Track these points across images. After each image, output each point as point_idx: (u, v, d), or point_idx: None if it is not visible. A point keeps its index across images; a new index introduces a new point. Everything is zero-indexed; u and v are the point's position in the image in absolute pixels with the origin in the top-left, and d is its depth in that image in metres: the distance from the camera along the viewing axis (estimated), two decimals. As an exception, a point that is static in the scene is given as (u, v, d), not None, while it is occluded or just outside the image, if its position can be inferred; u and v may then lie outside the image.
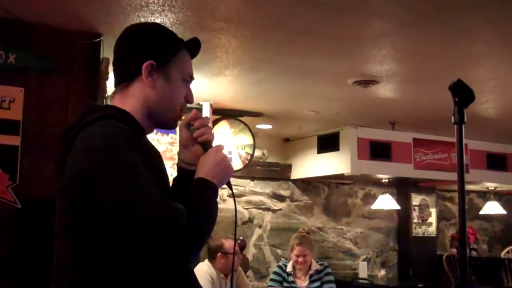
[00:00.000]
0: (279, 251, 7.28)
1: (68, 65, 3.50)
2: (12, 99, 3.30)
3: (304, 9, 3.29)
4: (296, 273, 4.92)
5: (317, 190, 7.72)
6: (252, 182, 7.23)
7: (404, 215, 7.96)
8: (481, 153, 7.49)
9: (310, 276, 4.87)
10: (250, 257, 7.02)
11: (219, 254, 4.33)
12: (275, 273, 5.04)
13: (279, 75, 4.63)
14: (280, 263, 5.16)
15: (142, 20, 3.36)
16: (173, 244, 1.35)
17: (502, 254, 8.29)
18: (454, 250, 7.93)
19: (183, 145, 1.71)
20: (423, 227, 7.95)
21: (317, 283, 4.84)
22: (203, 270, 4.22)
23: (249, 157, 6.04)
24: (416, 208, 7.93)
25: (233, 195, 1.70)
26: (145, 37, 1.64)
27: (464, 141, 1.75)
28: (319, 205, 7.71)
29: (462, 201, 1.73)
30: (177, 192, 1.55)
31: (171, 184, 1.67)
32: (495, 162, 7.60)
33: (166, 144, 5.19)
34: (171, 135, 5.20)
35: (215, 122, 5.80)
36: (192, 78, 1.70)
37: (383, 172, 6.92)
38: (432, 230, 8.02)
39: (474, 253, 8.23)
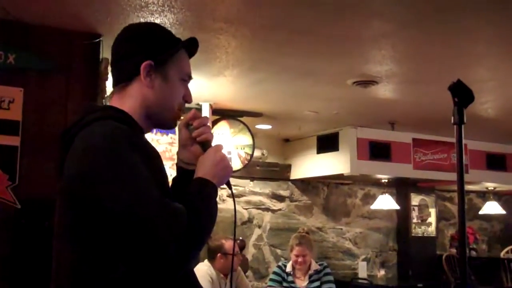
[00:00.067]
0: (278, 251, 7.28)
1: (67, 65, 3.50)
2: (11, 99, 3.30)
3: (304, 9, 3.29)
4: (296, 273, 4.92)
5: (317, 190, 7.72)
6: (251, 182, 7.23)
7: (403, 215, 7.97)
8: (481, 153, 7.49)
9: (310, 276, 4.88)
10: (249, 257, 7.02)
11: (219, 254, 4.33)
12: (274, 273, 5.04)
13: (278, 75, 4.63)
14: (280, 263, 5.16)
15: (142, 20, 3.36)
16: (173, 244, 1.35)
17: (502, 254, 8.30)
18: (453, 250, 7.94)
19: (182, 145, 1.70)
20: (423, 227, 7.95)
21: (317, 283, 4.84)
22: (203, 270, 4.22)
23: (248, 157, 6.04)
24: (416, 208, 7.93)
25: (232, 195, 1.70)
26: (143, 37, 1.64)
27: (464, 141, 1.76)
28: (318, 205, 7.71)
29: (461, 201, 1.73)
30: (176, 192, 1.55)
31: (170, 184, 1.67)
32: (495, 162, 7.60)
33: (165, 144, 5.19)
34: (170, 135, 5.20)
35: (214, 122, 5.80)
36: (190, 78, 1.70)
37: (383, 172, 6.92)
38: (431, 230, 8.02)
39: (473, 253, 8.23)
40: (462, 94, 1.75)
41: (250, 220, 7.19)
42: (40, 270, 3.10)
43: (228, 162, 1.63)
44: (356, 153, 6.53)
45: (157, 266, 1.37)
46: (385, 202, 7.23)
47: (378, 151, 6.66)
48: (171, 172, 1.70)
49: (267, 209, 7.33)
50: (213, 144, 1.65)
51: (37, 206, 3.24)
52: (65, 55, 3.50)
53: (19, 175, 3.26)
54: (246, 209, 7.17)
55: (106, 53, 3.48)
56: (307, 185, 7.63)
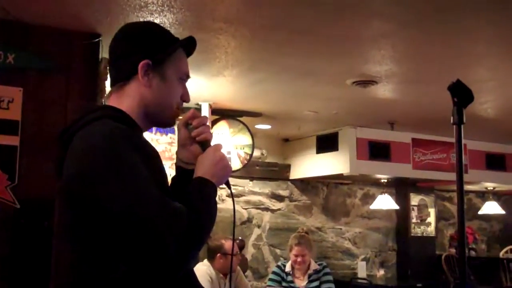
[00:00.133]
0: (278, 251, 7.28)
1: (67, 65, 3.50)
2: (11, 99, 3.30)
3: (304, 9, 3.29)
4: (295, 273, 4.92)
5: (316, 190, 7.72)
6: (251, 182, 7.23)
7: (403, 215, 7.97)
8: (480, 153, 7.49)
9: (309, 276, 4.88)
10: (249, 257, 7.02)
11: (218, 254, 4.33)
12: (274, 273, 5.05)
13: (278, 75, 4.63)
14: (279, 263, 5.16)
15: (141, 20, 3.36)
16: (173, 243, 1.35)
17: (501, 254, 8.30)
18: (453, 250, 7.94)
19: (181, 145, 1.70)
20: (422, 227, 7.95)
21: (316, 283, 4.84)
22: (202, 270, 4.22)
23: (248, 157, 6.04)
24: (415, 208, 7.93)
25: (231, 195, 1.70)
26: (141, 36, 1.64)
27: (463, 141, 1.76)
28: (318, 205, 7.71)
29: (461, 201, 1.73)
30: (176, 192, 1.55)
31: (170, 183, 1.67)
32: (494, 162, 7.60)
33: (165, 144, 5.19)
34: (170, 135, 5.20)
35: (214, 122, 5.80)
36: (188, 77, 1.69)
37: (382, 172, 6.92)
38: (431, 230, 8.02)
39: (472, 253, 8.24)
40: (461, 94, 1.75)
41: (249, 220, 7.19)
42: (39, 269, 3.11)
43: (227, 161, 1.63)
44: (356, 153, 6.53)
45: (157, 266, 1.36)
46: (385, 202, 7.23)
47: (378, 151, 6.66)
48: (170, 172, 1.70)
49: (267, 209, 7.33)
50: (212, 143, 1.65)
51: (37, 206, 3.24)
52: (65, 55, 3.50)
53: (18, 175, 3.26)
54: (245, 209, 7.17)
55: (105, 53, 3.47)
56: (306, 185, 7.63)
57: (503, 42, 3.86)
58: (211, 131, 1.72)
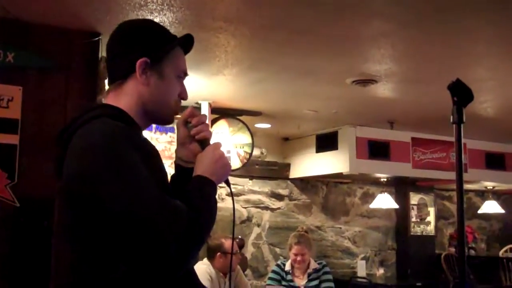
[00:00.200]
0: (277, 250, 7.28)
1: (67, 64, 3.50)
2: (10, 98, 3.30)
3: (304, 9, 3.29)
4: (295, 272, 4.93)
5: (316, 189, 7.72)
6: (250, 181, 7.23)
7: (402, 214, 7.97)
8: (480, 153, 7.49)
9: (309, 275, 4.88)
10: (248, 256, 7.02)
11: (218, 253, 4.33)
12: (273, 271, 5.05)
13: (278, 74, 4.63)
14: (279, 262, 5.16)
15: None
16: (173, 242, 1.35)
17: (500, 253, 8.31)
18: (452, 249, 7.94)
19: (180, 143, 1.70)
20: (422, 226, 7.95)
21: (316, 282, 4.85)
22: (202, 269, 4.22)
23: (247, 156, 6.04)
24: (415, 207, 7.93)
25: (231, 193, 1.70)
26: (138, 34, 1.63)
27: (463, 140, 1.76)
28: (317, 204, 7.71)
29: (460, 200, 1.73)
30: (175, 190, 1.54)
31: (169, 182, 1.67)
32: (494, 162, 7.60)
33: (164, 143, 5.19)
34: (169, 134, 5.20)
35: (213, 121, 5.80)
36: (186, 74, 1.69)
37: (382, 171, 6.92)
38: (430, 229, 8.02)
39: (472, 252, 8.24)
40: (461, 94, 1.75)
41: (249, 219, 7.19)
42: (39, 268, 3.11)
43: (226, 159, 1.63)
44: (355, 152, 6.53)
45: (158, 265, 1.36)
46: (384, 201, 7.23)
47: (377, 150, 6.66)
48: (170, 171, 1.70)
49: (266, 208, 7.33)
50: (211, 142, 1.65)
51: (36, 205, 3.25)
52: (65, 53, 3.50)
53: (18, 174, 3.26)
54: (245, 208, 7.17)
55: (105, 52, 3.47)
56: (306, 184, 7.63)
57: (502, 42, 3.87)
58: (210, 129, 1.72)
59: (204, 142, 1.64)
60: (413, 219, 7.91)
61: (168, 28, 1.73)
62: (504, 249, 8.35)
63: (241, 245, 6.34)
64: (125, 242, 1.37)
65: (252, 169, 6.98)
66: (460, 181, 1.73)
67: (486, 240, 9.06)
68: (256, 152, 6.56)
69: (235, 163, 5.89)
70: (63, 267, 1.46)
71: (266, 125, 6.60)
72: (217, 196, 1.57)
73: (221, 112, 5.86)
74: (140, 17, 3.33)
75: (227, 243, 4.36)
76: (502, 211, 8.28)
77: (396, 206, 7.46)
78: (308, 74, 4.61)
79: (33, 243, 3.22)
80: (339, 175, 6.93)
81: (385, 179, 7.38)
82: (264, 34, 3.72)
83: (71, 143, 1.48)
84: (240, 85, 4.94)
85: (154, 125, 5.08)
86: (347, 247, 7.83)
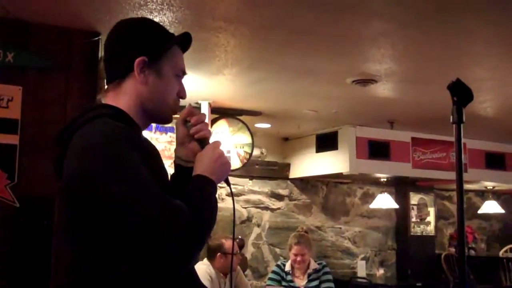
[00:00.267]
0: (277, 250, 7.28)
1: (66, 64, 3.49)
2: (10, 98, 3.29)
3: (303, 9, 3.29)
4: (295, 272, 4.92)
5: (316, 189, 7.72)
6: (250, 181, 7.23)
7: (402, 214, 7.97)
8: (480, 152, 7.49)
9: (309, 275, 4.88)
10: (248, 256, 7.02)
11: (218, 254, 4.33)
12: (273, 272, 5.05)
13: (278, 74, 4.63)
14: (279, 262, 5.16)
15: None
16: (174, 243, 1.35)
17: (501, 253, 8.31)
18: (452, 249, 7.94)
19: (179, 142, 1.70)
20: (422, 226, 7.95)
21: (316, 282, 4.84)
22: (202, 269, 4.22)
23: (247, 156, 6.04)
24: (415, 207, 7.93)
25: (231, 193, 1.69)
26: (136, 33, 1.63)
27: (463, 140, 1.75)
28: (317, 204, 7.71)
29: (460, 200, 1.73)
30: (175, 190, 1.54)
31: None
32: (494, 161, 7.60)
33: (164, 143, 5.19)
34: (169, 134, 5.20)
35: (213, 121, 5.80)
36: (184, 73, 1.69)
37: (382, 171, 6.92)
38: (430, 229, 8.02)
39: (472, 252, 8.24)
40: (461, 93, 1.74)
41: (249, 219, 7.19)
42: (39, 268, 3.11)
43: (226, 158, 1.62)
44: (355, 152, 6.53)
45: (158, 265, 1.36)
46: (384, 201, 7.23)
47: (377, 150, 6.66)
48: (170, 171, 1.70)
49: (266, 208, 7.33)
50: (210, 141, 1.65)
51: (36, 205, 3.24)
52: (65, 53, 3.50)
53: (18, 174, 3.25)
54: (245, 208, 7.17)
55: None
56: (306, 184, 7.63)
57: (502, 42, 3.87)
58: (210, 128, 1.71)
59: (203, 141, 1.64)
60: (413, 219, 7.90)
61: (168, 28, 1.73)
62: (504, 249, 8.35)
63: (241, 245, 6.34)
64: (125, 242, 1.37)
65: (252, 169, 6.98)
66: (460, 181, 1.73)
67: (486, 240, 9.06)
68: (256, 152, 6.56)
69: (235, 163, 5.89)
70: (63, 267, 1.46)
71: (266, 125, 6.60)
72: (217, 196, 1.57)
73: (221, 112, 5.86)
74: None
75: (227, 244, 4.36)
76: (502, 211, 8.28)
77: (396, 206, 7.46)
78: (308, 74, 4.61)
79: (33, 243, 3.22)
80: (339, 175, 6.93)
81: (385, 179, 7.38)
82: (264, 34, 3.72)
83: (71, 143, 1.48)
84: (240, 85, 4.94)
85: (154, 125, 5.08)
86: (347, 247, 7.83)
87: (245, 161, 6.04)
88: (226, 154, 1.67)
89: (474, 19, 3.45)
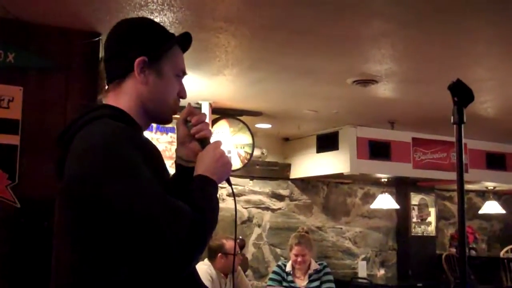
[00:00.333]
0: (278, 250, 7.28)
1: (67, 64, 3.49)
2: (11, 98, 3.29)
3: (304, 9, 3.29)
4: (295, 273, 4.92)
5: (316, 190, 7.72)
6: (251, 182, 7.22)
7: (403, 215, 7.96)
8: (480, 153, 7.49)
9: (309, 276, 4.88)
10: (249, 256, 7.02)
11: (219, 254, 4.33)
12: (274, 272, 5.04)
13: (278, 74, 4.63)
14: (280, 263, 5.16)
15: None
16: (176, 243, 1.35)
17: (501, 253, 8.30)
18: (453, 250, 7.94)
19: (180, 142, 1.70)
20: (422, 227, 7.95)
21: (316, 283, 4.84)
22: (203, 269, 4.22)
23: (248, 157, 6.04)
24: (415, 207, 7.93)
25: (233, 193, 1.69)
26: (136, 33, 1.63)
27: (463, 140, 1.75)
28: (318, 204, 7.71)
29: (461, 200, 1.73)
30: (176, 190, 1.53)
31: (170, 181, 1.66)
32: (494, 162, 7.60)
33: (165, 143, 5.19)
34: (170, 134, 5.20)
35: (214, 122, 5.80)
36: (184, 73, 1.69)
37: (382, 171, 6.92)
38: (431, 229, 8.02)
39: (473, 253, 8.23)
40: (462, 94, 1.74)
41: (250, 219, 7.19)
42: (39, 269, 3.11)
43: (227, 158, 1.62)
44: (356, 152, 6.52)
45: (160, 266, 1.36)
46: (385, 202, 7.23)
47: (378, 150, 6.66)
48: (171, 171, 1.70)
49: (267, 208, 7.33)
50: (211, 140, 1.65)
51: (37, 206, 3.25)
52: (65, 54, 3.50)
53: (18, 174, 3.26)
54: (245, 208, 7.17)
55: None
56: (306, 184, 7.62)
57: (502, 42, 3.86)
58: (210, 128, 1.71)
59: (204, 141, 1.64)
60: (414, 220, 7.90)
61: (168, 28, 1.73)
62: (505, 249, 8.34)
63: (242, 246, 6.34)
64: (127, 243, 1.37)
65: (252, 169, 6.98)
66: (461, 181, 1.73)
67: (487, 240, 9.05)
68: (257, 152, 6.56)
69: (236, 164, 5.89)
70: (63, 268, 1.46)
71: (267, 125, 6.60)
72: (217, 196, 1.57)
73: (221, 112, 5.86)
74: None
75: (228, 244, 4.36)
76: (503, 211, 8.27)
77: (396, 206, 7.46)
78: (308, 74, 4.61)
79: (34, 244, 3.22)
80: (339, 176, 6.93)
81: (386, 180, 7.37)
82: (265, 34, 3.72)
83: (72, 144, 1.48)
84: (241, 85, 4.94)
85: (154, 125, 5.08)
86: (348, 247, 7.83)
87: (246, 161, 6.04)
88: (227, 154, 1.66)
89: (475, 19, 3.45)
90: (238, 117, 5.95)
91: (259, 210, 7.27)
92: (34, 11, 3.31)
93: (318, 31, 3.66)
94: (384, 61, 4.22)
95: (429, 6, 3.25)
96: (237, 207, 6.97)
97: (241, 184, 7.10)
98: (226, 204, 6.23)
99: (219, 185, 1.58)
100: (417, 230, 7.91)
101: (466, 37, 3.78)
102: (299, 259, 4.85)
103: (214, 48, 3.92)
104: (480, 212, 8.39)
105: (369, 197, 7.95)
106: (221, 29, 3.57)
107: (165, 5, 3.21)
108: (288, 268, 4.95)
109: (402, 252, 8.03)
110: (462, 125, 1.75)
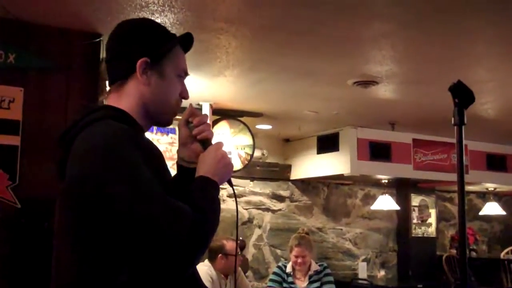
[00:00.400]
0: (278, 251, 7.28)
1: (67, 65, 3.49)
2: (11, 99, 3.29)
3: (304, 10, 3.29)
4: (296, 274, 4.92)
5: (317, 191, 7.71)
6: (251, 183, 7.22)
7: (403, 216, 7.96)
8: (481, 154, 7.48)
9: (310, 277, 4.87)
10: (249, 257, 7.02)
11: (220, 255, 4.32)
12: (274, 273, 5.04)
13: (279, 75, 4.63)
14: (280, 264, 5.15)
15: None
16: (177, 244, 1.35)
17: (502, 255, 8.29)
18: (453, 251, 7.94)
19: (182, 143, 1.70)
20: (423, 228, 7.95)
21: (317, 284, 4.84)
22: (203, 270, 4.21)
23: (248, 158, 6.04)
24: (416, 208, 7.92)
25: (234, 194, 1.69)
26: (138, 34, 1.63)
27: (464, 141, 1.75)
28: (318, 205, 7.71)
29: (461, 201, 1.73)
30: (178, 191, 1.53)
31: (172, 183, 1.66)
32: (495, 163, 7.59)
33: (166, 144, 5.19)
34: (171, 135, 5.20)
35: (215, 122, 5.80)
36: (186, 74, 1.69)
37: (383, 172, 6.91)
38: (431, 230, 8.02)
39: (473, 254, 8.23)
40: (462, 95, 1.74)
41: (250, 220, 7.19)
42: (40, 269, 3.10)
43: (229, 159, 1.62)
44: (356, 154, 6.52)
45: (161, 267, 1.36)
46: (385, 203, 7.23)
47: (378, 151, 6.65)
48: (172, 172, 1.70)
49: (267, 209, 7.33)
50: (213, 142, 1.65)
51: (37, 206, 3.24)
52: (65, 54, 3.50)
53: (19, 175, 3.26)
54: (246, 209, 7.16)
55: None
56: (307, 185, 7.62)
57: (503, 42, 3.86)
58: (212, 129, 1.71)
59: (206, 142, 1.64)
60: (414, 221, 7.90)
61: (169, 29, 1.72)
62: (506, 250, 8.34)
63: (242, 247, 6.34)
64: (127, 243, 1.37)
65: (253, 170, 6.98)
66: (461, 182, 1.72)
67: (487, 241, 9.05)
68: (257, 153, 6.56)
69: (236, 165, 5.89)
70: (63, 268, 1.45)
71: (267, 126, 6.60)
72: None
73: (222, 113, 5.86)
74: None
75: (229, 245, 4.35)
76: (504, 212, 8.27)
77: (397, 207, 7.45)
78: (309, 75, 4.61)
79: (34, 244, 3.22)
80: (340, 177, 6.93)
81: (386, 181, 7.37)
82: (265, 35, 3.72)
83: (74, 145, 1.48)
84: (241, 86, 4.94)
85: (155, 126, 5.07)
86: (348, 248, 7.83)
87: (246, 162, 6.04)
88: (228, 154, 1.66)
89: (475, 20, 3.45)
90: (239, 118, 5.96)
91: (260, 211, 7.27)
92: (35, 11, 3.31)
93: (319, 32, 3.66)
94: (384, 62, 4.22)
95: (429, 6, 3.25)
96: (238, 208, 6.96)
97: (242, 185, 7.09)
98: (226, 205, 6.22)
99: (220, 185, 1.58)
100: (418, 231, 7.91)
101: (466, 37, 3.78)
102: (299, 260, 4.85)
103: (215, 49, 3.92)
104: (481, 213, 8.38)
105: (369, 198, 7.95)
106: (222, 30, 3.57)
107: (166, 6, 3.21)
108: (289, 269, 4.95)
109: (403, 253, 8.03)
110: (463, 127, 1.75)
